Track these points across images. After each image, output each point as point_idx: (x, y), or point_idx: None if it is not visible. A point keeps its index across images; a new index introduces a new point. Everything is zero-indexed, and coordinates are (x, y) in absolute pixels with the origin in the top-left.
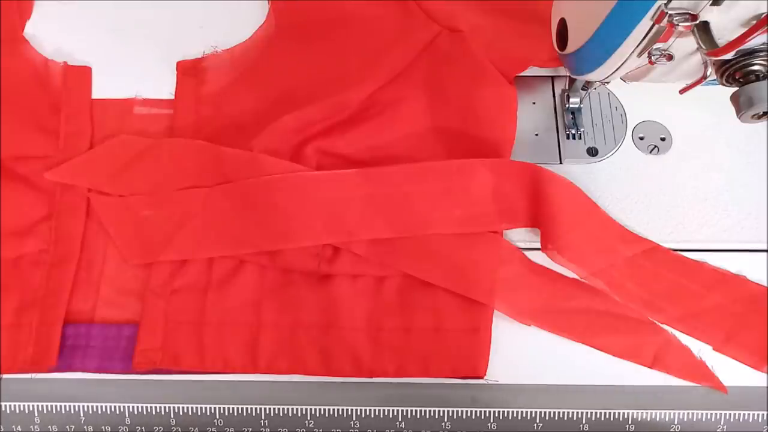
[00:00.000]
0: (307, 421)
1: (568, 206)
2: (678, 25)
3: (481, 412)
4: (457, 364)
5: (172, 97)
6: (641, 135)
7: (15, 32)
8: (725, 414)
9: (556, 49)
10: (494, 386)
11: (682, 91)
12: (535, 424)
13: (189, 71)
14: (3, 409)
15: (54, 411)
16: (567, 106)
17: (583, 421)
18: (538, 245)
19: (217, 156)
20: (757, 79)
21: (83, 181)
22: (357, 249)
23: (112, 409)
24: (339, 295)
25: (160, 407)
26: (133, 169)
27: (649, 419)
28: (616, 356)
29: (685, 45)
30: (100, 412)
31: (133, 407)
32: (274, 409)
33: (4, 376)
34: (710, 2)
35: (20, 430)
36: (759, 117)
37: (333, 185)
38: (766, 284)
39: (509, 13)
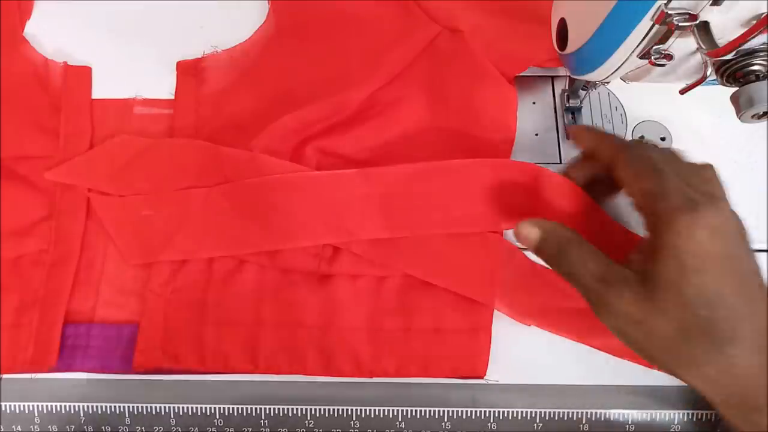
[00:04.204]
0: (307, 421)
1: (568, 206)
2: (678, 25)
3: (481, 412)
4: (457, 364)
5: (172, 97)
6: (641, 135)
7: (15, 32)
8: None
9: (556, 49)
10: (494, 386)
11: (682, 91)
12: (535, 424)
13: (189, 71)
14: (3, 409)
15: (54, 411)
16: (567, 106)
17: (583, 421)
18: None
19: (217, 156)
20: (757, 79)
21: (83, 181)
22: (357, 249)
23: (112, 409)
24: (339, 295)
25: (160, 407)
26: (133, 169)
27: (649, 419)
28: (617, 356)
29: (685, 45)
30: (100, 412)
31: (133, 407)
32: (274, 409)
33: (4, 376)
34: (710, 2)
35: (20, 430)
36: (759, 117)
37: (333, 185)
38: None
39: (509, 13)
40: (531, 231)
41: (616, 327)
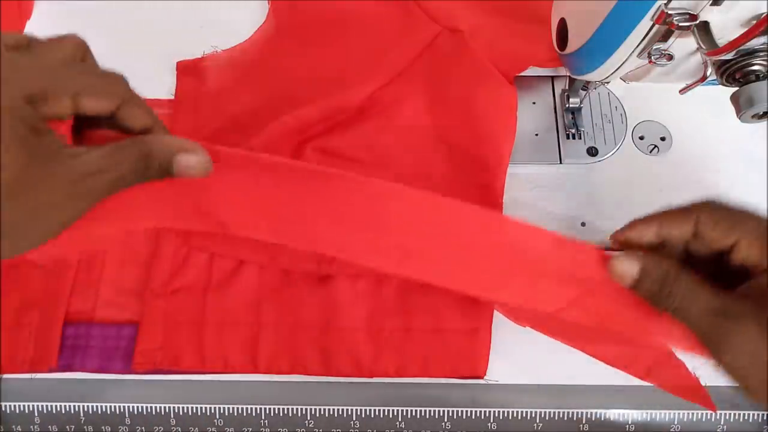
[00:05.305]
0: (307, 421)
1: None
2: (678, 25)
3: (481, 412)
4: (457, 364)
5: (172, 97)
6: (641, 135)
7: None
8: (725, 414)
9: (556, 49)
10: (494, 386)
11: (682, 91)
12: (535, 424)
13: (189, 71)
14: (3, 409)
15: (54, 411)
16: (567, 106)
17: (583, 421)
18: None
19: (216, 156)
20: (757, 79)
21: None
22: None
23: (112, 409)
24: (339, 295)
25: (160, 407)
26: None
27: (649, 419)
28: (609, 365)
29: (685, 45)
30: (100, 412)
31: (133, 407)
32: (274, 409)
33: (4, 376)
34: (710, 2)
35: (20, 430)
36: (759, 117)
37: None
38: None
39: (509, 13)
40: (630, 267)
41: (736, 366)
